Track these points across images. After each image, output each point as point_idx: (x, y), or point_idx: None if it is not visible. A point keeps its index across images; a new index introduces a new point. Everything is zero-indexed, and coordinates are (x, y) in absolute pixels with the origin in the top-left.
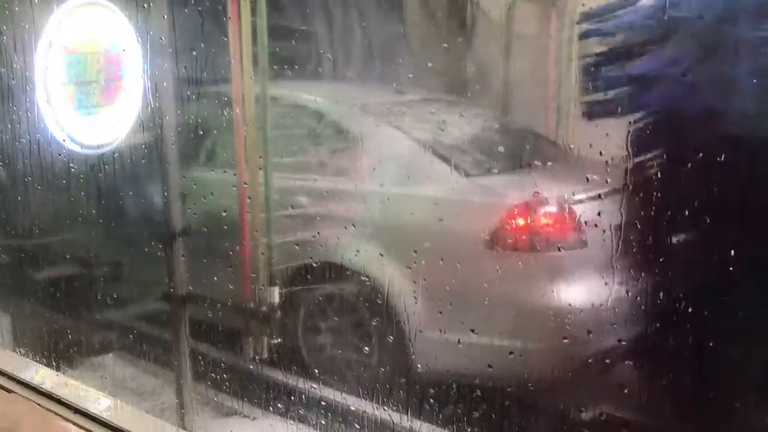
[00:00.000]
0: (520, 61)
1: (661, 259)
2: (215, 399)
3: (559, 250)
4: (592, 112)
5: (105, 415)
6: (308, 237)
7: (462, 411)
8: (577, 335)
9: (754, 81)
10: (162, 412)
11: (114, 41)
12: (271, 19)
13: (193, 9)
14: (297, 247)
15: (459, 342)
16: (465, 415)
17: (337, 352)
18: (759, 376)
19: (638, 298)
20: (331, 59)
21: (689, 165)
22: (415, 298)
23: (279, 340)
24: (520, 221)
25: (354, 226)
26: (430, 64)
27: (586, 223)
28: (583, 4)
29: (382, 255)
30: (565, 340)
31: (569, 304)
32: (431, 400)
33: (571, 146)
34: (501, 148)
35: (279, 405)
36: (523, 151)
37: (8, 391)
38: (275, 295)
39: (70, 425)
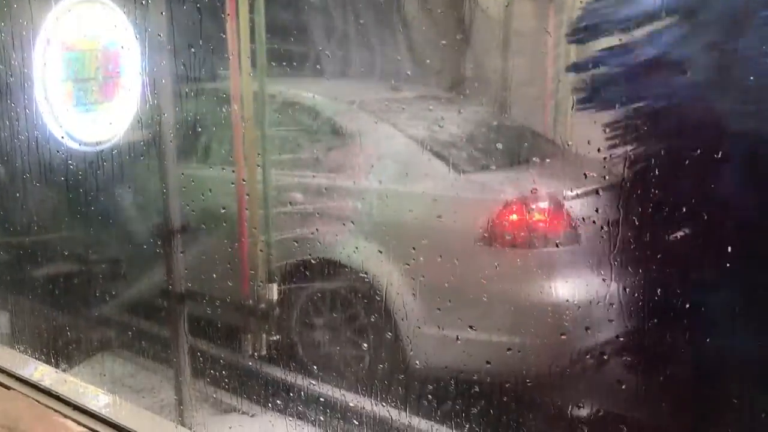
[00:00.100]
0: (516, 58)
1: (654, 256)
2: (214, 396)
3: (556, 246)
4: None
5: (104, 412)
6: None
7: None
8: (574, 331)
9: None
10: (161, 409)
11: (112, 38)
12: (269, 16)
13: (192, 6)
14: (296, 244)
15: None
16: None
17: (334, 348)
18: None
19: (631, 294)
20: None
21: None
22: (414, 295)
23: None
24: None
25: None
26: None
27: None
28: (581, 1)
29: (381, 252)
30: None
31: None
32: (430, 397)
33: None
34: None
35: (278, 401)
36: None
37: (7, 388)
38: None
39: (70, 422)
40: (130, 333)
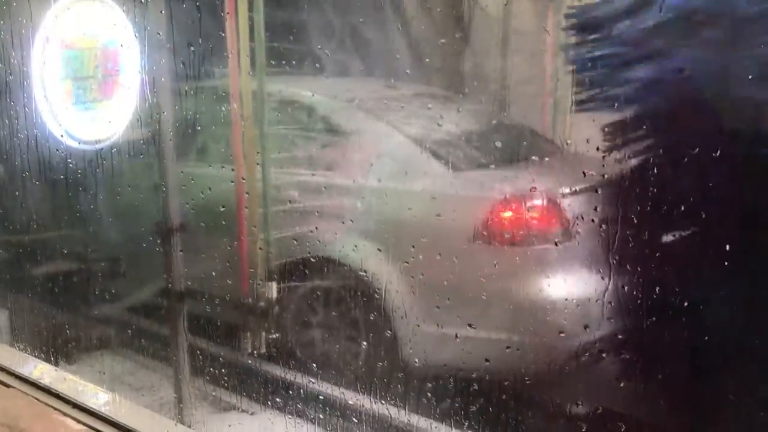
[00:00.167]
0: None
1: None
2: (214, 394)
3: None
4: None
5: (103, 410)
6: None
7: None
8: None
9: None
10: (160, 407)
11: (111, 36)
12: (268, 14)
13: (191, 4)
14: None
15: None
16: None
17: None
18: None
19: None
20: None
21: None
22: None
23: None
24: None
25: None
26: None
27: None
28: None
29: (380, 250)
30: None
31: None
32: (429, 394)
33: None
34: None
35: (277, 399)
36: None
37: (7, 386)
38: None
39: (69, 420)
40: (129, 331)
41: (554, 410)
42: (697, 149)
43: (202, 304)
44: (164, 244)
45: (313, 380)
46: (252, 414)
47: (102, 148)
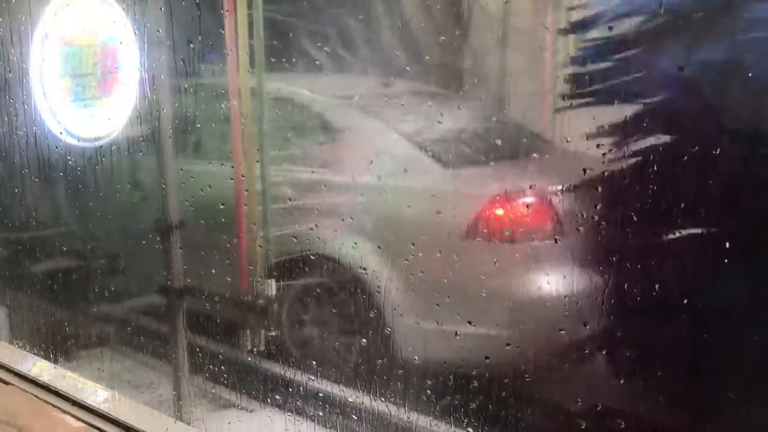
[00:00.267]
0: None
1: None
2: (213, 391)
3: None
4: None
5: (103, 407)
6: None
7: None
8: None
9: None
10: (159, 405)
11: (110, 33)
12: (268, 12)
13: (190, 1)
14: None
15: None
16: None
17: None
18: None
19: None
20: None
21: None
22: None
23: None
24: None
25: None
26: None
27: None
28: None
29: (380, 248)
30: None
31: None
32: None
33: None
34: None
35: (277, 397)
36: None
37: (6, 383)
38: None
39: (68, 417)
40: (128, 328)
41: (552, 408)
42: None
43: (201, 301)
44: (163, 241)
45: (312, 378)
46: (251, 411)
47: (101, 146)
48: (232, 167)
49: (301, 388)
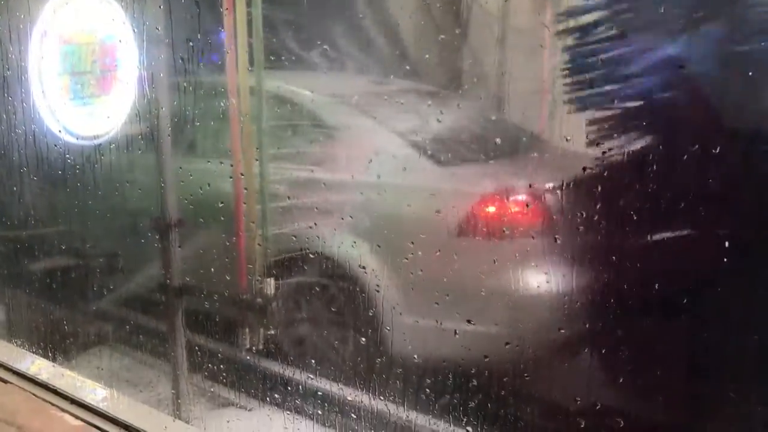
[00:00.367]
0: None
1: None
2: (212, 390)
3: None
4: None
5: (101, 406)
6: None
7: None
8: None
9: None
10: (158, 403)
11: (109, 31)
12: (267, 10)
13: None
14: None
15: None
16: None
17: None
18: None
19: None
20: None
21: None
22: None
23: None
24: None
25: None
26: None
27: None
28: None
29: (379, 247)
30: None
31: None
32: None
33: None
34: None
35: (276, 395)
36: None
37: (5, 381)
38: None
39: (67, 415)
40: (127, 327)
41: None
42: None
43: (200, 299)
44: (162, 239)
45: (311, 376)
46: (250, 410)
47: (100, 144)
48: (231, 165)
49: (300, 386)
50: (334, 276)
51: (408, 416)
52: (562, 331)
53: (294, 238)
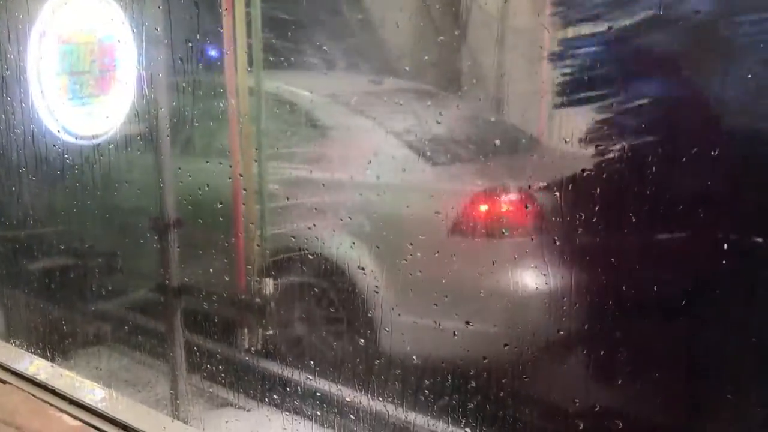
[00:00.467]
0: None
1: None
2: (210, 390)
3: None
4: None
5: (100, 406)
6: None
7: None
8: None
9: None
10: (157, 403)
11: (108, 31)
12: (266, 10)
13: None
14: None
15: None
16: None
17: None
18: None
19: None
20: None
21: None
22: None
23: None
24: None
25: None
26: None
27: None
28: None
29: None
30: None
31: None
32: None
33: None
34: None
35: (274, 396)
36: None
37: (3, 382)
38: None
39: (65, 416)
40: (126, 327)
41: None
42: None
43: (198, 300)
44: (161, 239)
45: (310, 377)
46: (248, 410)
47: (99, 144)
48: (230, 166)
49: (298, 387)
50: (332, 277)
51: (407, 417)
52: (561, 332)
53: (293, 239)
